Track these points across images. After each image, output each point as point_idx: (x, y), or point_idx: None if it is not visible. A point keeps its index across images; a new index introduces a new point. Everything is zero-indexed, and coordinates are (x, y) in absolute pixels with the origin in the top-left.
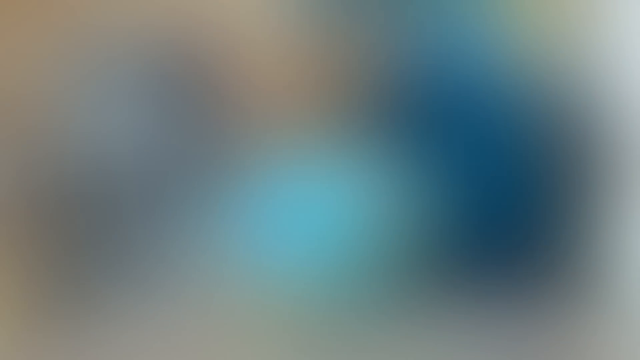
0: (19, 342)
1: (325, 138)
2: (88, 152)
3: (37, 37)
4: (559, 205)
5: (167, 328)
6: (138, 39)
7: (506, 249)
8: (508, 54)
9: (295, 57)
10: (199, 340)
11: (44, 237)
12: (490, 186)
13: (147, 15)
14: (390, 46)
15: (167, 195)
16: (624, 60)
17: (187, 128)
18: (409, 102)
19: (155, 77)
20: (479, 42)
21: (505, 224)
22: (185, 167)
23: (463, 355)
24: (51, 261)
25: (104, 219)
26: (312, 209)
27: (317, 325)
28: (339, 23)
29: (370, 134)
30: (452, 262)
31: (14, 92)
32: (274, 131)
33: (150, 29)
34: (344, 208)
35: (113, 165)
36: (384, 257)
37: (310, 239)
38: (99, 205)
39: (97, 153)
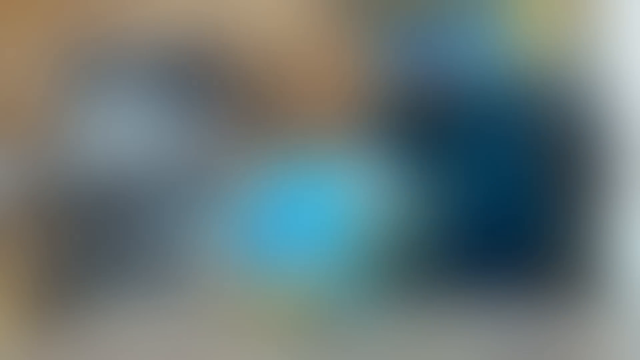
0: (20, 344)
1: (331, 140)
2: (88, 153)
3: (50, 36)
4: (561, 205)
5: (168, 328)
6: (152, 38)
7: (507, 248)
8: (513, 59)
9: (307, 59)
10: (199, 339)
11: (44, 237)
12: (493, 187)
13: (163, 15)
14: (398, 53)
15: (169, 194)
16: (624, 62)
17: (194, 127)
18: (413, 105)
19: (163, 76)
20: (482, 47)
21: (507, 224)
22: (190, 167)
23: (463, 354)
24: (51, 262)
25: (109, 217)
26: (317, 209)
27: (319, 324)
28: (350, 29)
29: (375, 135)
30: (453, 264)
31: (22, 92)
32: (281, 131)
33: (165, 29)
34: (348, 208)
35: (117, 166)
36: (387, 257)
37: (314, 238)
38: (101, 205)
39: (97, 154)
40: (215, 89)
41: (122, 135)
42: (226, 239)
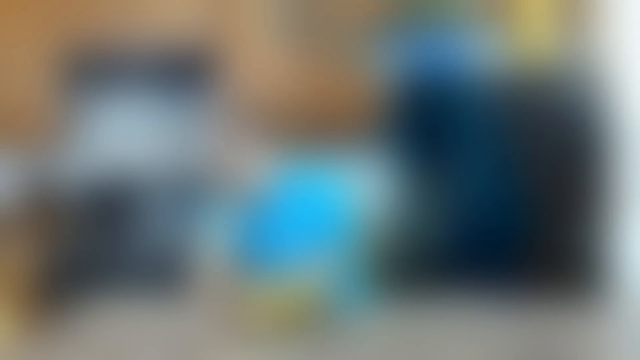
0: (21, 344)
1: (335, 140)
2: (88, 154)
3: (50, 38)
4: (562, 206)
5: (171, 327)
6: (155, 41)
7: (509, 248)
8: (513, 64)
9: (305, 60)
10: (203, 337)
11: (44, 236)
12: (492, 189)
13: (167, 17)
14: (398, 57)
15: (172, 193)
16: (624, 64)
17: (198, 129)
18: (414, 108)
19: (164, 78)
20: (483, 52)
21: (509, 225)
22: (193, 167)
23: (465, 352)
24: (50, 262)
25: (111, 216)
26: (319, 208)
27: (324, 321)
28: (352, 33)
29: (378, 137)
30: (454, 264)
31: (23, 93)
32: (284, 132)
33: (169, 31)
34: (351, 208)
35: (117, 166)
36: (391, 256)
37: (317, 237)
38: (102, 204)
39: (97, 154)
40: (217, 90)
41: (124, 135)
42: (230, 237)
